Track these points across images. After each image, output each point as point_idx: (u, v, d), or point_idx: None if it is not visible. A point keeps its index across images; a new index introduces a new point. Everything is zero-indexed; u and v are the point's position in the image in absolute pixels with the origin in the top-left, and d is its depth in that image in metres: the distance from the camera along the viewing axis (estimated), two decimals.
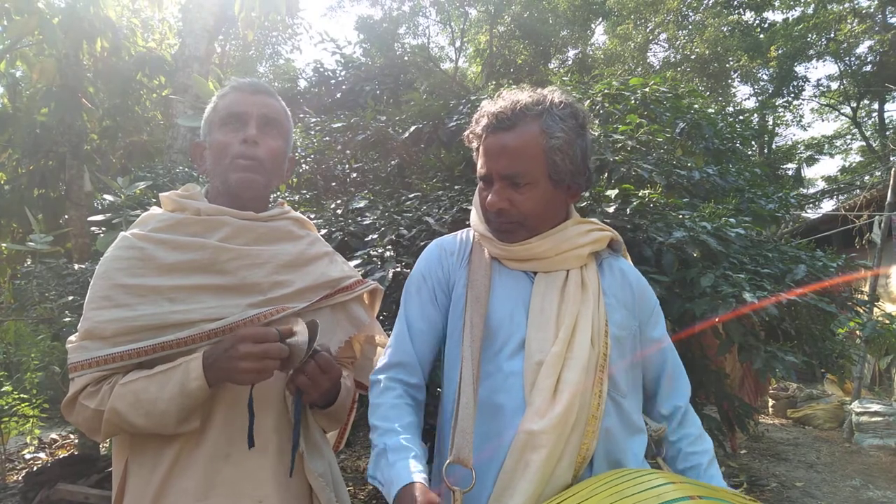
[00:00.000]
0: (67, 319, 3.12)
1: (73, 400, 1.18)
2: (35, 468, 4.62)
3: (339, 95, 6.15)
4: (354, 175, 3.97)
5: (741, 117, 5.10)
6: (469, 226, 1.37)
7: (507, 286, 1.24)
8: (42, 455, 5.48)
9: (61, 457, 4.91)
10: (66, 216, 5.66)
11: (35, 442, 5.62)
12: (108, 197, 3.53)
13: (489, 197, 1.21)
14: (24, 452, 5.54)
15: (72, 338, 1.21)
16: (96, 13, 5.31)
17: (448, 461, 1.06)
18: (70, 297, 3.25)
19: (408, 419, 1.17)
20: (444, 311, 1.28)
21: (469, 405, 1.10)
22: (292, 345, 1.13)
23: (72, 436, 5.83)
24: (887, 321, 7.60)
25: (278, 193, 3.47)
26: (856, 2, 16.18)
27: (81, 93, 5.39)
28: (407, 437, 1.12)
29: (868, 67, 17.54)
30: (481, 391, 1.15)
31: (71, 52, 5.25)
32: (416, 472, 1.03)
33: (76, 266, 3.78)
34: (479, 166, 1.24)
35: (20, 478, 4.57)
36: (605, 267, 1.29)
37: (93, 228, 3.72)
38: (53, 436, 6.01)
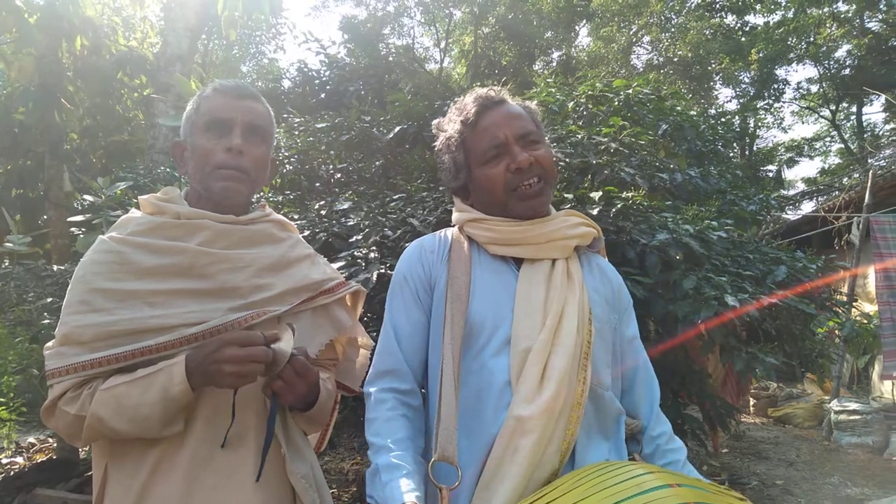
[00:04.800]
0: (46, 321, 3.08)
1: (52, 406, 1.16)
2: (12, 473, 4.53)
3: (323, 95, 6.14)
4: (339, 176, 3.95)
5: (723, 119, 5.17)
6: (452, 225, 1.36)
7: (489, 281, 1.23)
8: (19, 459, 5.39)
9: (39, 461, 4.84)
10: (45, 217, 5.59)
11: (12, 446, 5.53)
12: (88, 197, 3.48)
13: (518, 157, 1.23)
14: (0, 457, 5.45)
15: (49, 344, 1.19)
16: (76, 12, 5.24)
17: (433, 459, 1.06)
18: (49, 299, 3.22)
19: (400, 433, 1.14)
20: (427, 310, 1.26)
21: (451, 403, 1.10)
22: (276, 350, 1.13)
23: (50, 440, 5.74)
24: (865, 321, 7.74)
25: (261, 194, 3.45)
26: (835, 6, 16.44)
27: (61, 92, 5.32)
28: (398, 454, 1.09)
29: (847, 71, 17.84)
30: (466, 388, 1.14)
31: (49, 50, 5.18)
32: (408, 491, 1.02)
33: (55, 267, 3.73)
34: (485, 143, 1.25)
35: None
36: (584, 262, 1.31)
37: (72, 229, 3.68)
38: (31, 440, 5.91)
